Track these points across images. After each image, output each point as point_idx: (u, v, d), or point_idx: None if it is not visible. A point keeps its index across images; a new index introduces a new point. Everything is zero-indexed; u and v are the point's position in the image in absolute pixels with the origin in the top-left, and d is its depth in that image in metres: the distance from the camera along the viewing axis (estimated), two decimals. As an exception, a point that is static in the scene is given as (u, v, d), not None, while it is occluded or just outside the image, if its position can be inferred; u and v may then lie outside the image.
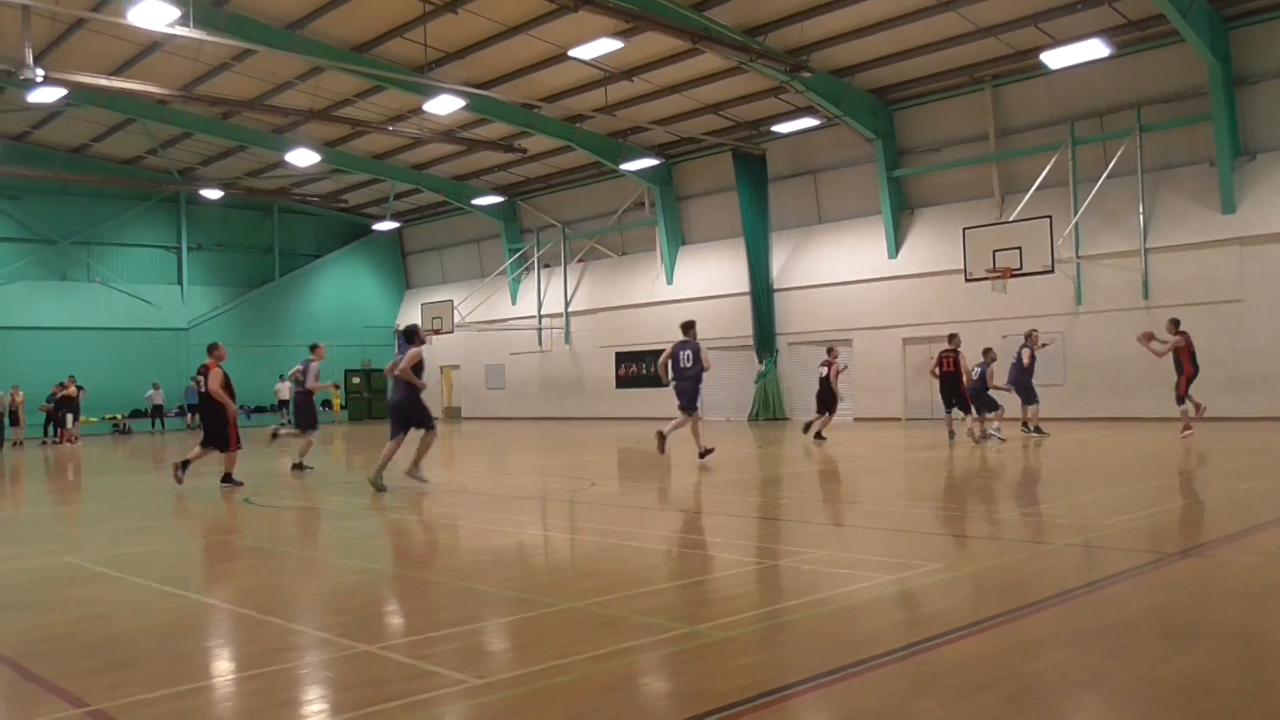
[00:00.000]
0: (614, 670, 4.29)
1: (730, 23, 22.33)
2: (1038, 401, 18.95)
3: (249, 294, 40.08)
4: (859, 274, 27.91)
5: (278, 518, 10.47)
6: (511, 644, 5.00)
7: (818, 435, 18.82)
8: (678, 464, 15.70)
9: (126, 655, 4.79)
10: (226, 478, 12.81)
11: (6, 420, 28.44)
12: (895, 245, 27.21)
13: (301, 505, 11.54)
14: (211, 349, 13.12)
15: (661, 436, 14.97)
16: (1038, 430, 18.79)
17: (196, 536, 9.51)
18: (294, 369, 16.45)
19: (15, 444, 28.51)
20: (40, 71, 20.49)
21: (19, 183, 33.85)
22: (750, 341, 29.67)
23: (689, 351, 15.22)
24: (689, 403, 15.11)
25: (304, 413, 16.24)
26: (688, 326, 15.55)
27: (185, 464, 12.86)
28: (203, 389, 12.85)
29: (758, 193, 29.70)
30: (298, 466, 15.30)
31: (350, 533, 9.28)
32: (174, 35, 21.54)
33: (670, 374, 15.34)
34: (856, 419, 26.79)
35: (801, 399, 28.92)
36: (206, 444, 12.94)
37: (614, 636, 4.85)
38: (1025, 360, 18.64)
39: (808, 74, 23.36)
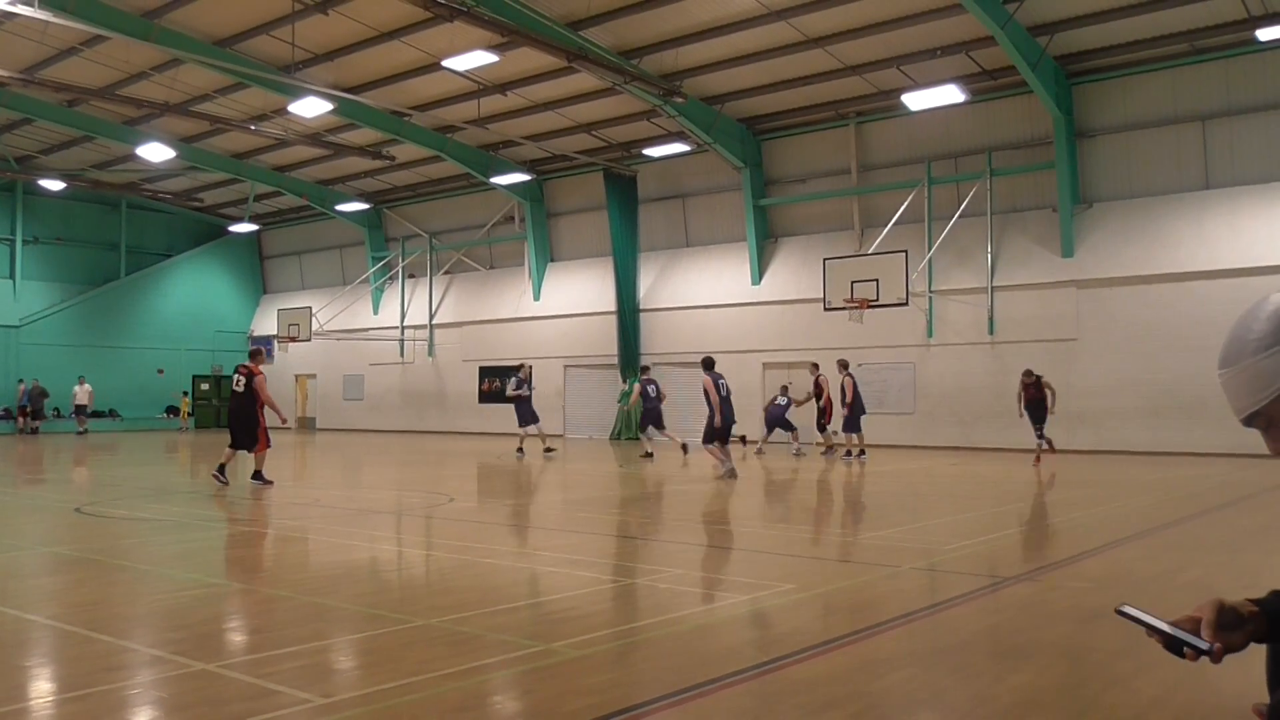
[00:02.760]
0: (465, 689, 4.21)
1: (606, 44, 22.51)
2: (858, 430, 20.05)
3: (91, 292, 37.92)
4: (723, 298, 28.42)
5: (113, 528, 9.91)
6: (360, 662, 4.84)
7: (860, 452, 20.09)
8: (540, 480, 15.61)
9: (-67, 673, 4.43)
10: (257, 474, 13.43)
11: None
12: (759, 272, 27.83)
13: (140, 516, 10.95)
14: (255, 354, 14.31)
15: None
16: (850, 454, 20.09)
17: (19, 548, 8.90)
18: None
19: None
20: None
21: None
22: (615, 360, 29.80)
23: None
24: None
25: None
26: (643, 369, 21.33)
27: (222, 468, 13.37)
28: (240, 388, 13.57)
29: (627, 213, 29.93)
30: None
31: (192, 545, 8.86)
32: (16, 14, 20.27)
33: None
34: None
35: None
36: (235, 445, 13.56)
37: (467, 654, 4.76)
38: (849, 391, 19.73)
39: (680, 99, 23.73)
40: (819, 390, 21.30)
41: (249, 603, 6.29)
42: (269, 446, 13.72)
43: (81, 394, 33.45)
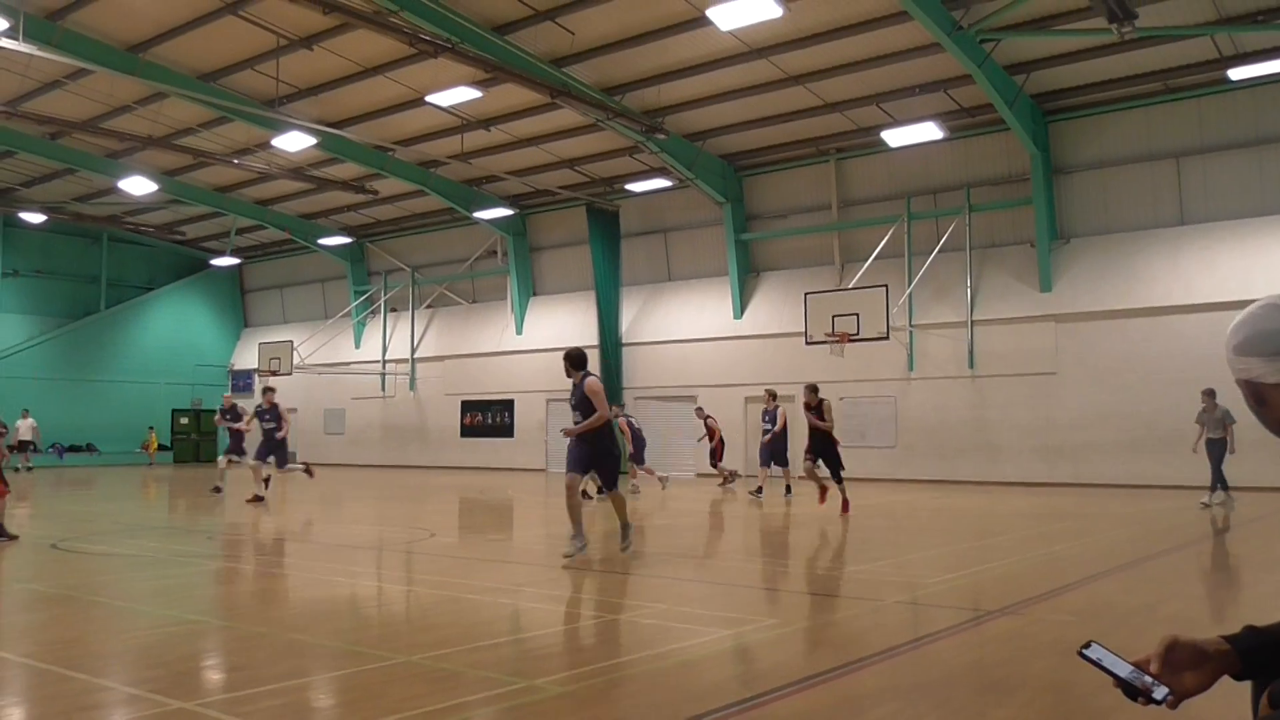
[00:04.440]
0: (447, 727, 4.17)
1: (590, 80, 22.70)
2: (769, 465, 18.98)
3: (71, 325, 37.69)
4: (705, 332, 28.51)
5: (89, 564, 9.79)
6: (339, 699, 4.80)
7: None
8: (519, 519, 15.54)
9: (-96, 713, 4.36)
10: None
11: None
12: (740, 306, 27.96)
13: (117, 551, 10.83)
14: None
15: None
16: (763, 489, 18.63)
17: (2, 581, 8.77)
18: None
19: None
20: None
21: None
22: (597, 395, 29.73)
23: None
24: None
25: None
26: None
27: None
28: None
29: (610, 248, 30.06)
30: None
31: (170, 581, 8.75)
32: (1, 47, 20.30)
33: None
34: (698, 474, 27.16)
35: (653, 452, 29.17)
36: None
37: (449, 691, 4.72)
38: (779, 426, 18.63)
39: (662, 135, 23.93)
40: (710, 430, 22.36)
41: (227, 640, 6.22)
42: (7, 492, 11.49)
43: (25, 428, 32.19)
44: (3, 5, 18.53)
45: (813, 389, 16.95)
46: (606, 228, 30.02)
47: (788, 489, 18.70)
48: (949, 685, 4.91)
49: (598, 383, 9.55)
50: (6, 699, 4.83)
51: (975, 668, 5.33)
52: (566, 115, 24.29)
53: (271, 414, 17.79)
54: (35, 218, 32.97)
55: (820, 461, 14.88)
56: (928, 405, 24.70)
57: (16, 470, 31.27)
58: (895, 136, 22.46)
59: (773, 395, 18.70)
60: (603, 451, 9.53)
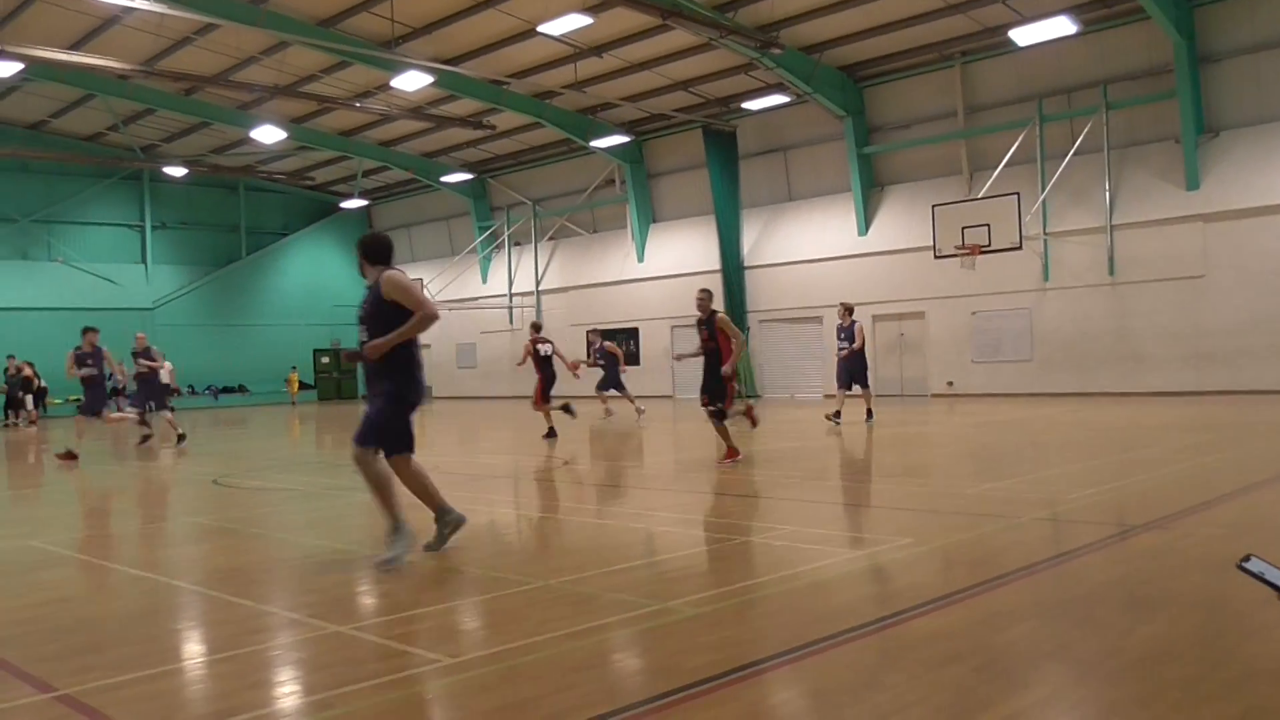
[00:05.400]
0: (586, 648, 4.30)
1: (700, -1, 22.24)
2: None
3: (215, 273, 39.60)
4: (829, 251, 27.99)
5: (246, 499, 10.40)
6: (484, 622, 5.00)
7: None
8: (649, 442, 15.76)
9: (94, 639, 4.75)
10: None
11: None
12: (865, 222, 27.31)
13: (271, 486, 11.46)
14: (539, 326, 16.77)
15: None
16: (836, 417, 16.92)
17: (163, 519, 9.42)
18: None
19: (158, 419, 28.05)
20: (-4, 46, 20.07)
21: (-25, 160, 33.22)
22: (721, 319, 29.70)
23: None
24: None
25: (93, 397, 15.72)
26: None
27: None
28: (548, 354, 15.83)
29: (728, 170, 29.68)
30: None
31: (319, 513, 9.23)
32: (134, 8, 21.11)
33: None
34: (826, 395, 26.92)
35: (773, 376, 29.09)
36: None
37: (586, 614, 4.86)
38: (858, 343, 16.92)
39: (777, 50, 23.32)
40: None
41: (376, 568, 6.53)
42: None
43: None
44: (132, -33, 19.21)
45: (848, 309, 16.80)
46: (724, 149, 29.62)
47: (869, 414, 16.99)
48: (1092, 602, 4.80)
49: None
50: (183, 623, 5.22)
51: (1120, 584, 5.19)
52: (678, 36, 23.91)
53: (94, 358, 15.56)
54: (177, 172, 34.53)
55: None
56: (1065, 316, 23.78)
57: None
58: (1024, 34, 21.31)
59: (849, 309, 17.12)
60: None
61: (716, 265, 29.65)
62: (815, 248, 28.33)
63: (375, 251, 6.49)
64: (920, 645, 4.14)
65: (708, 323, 11.43)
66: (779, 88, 26.35)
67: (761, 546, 6.69)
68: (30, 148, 33.44)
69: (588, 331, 22.42)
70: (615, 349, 21.15)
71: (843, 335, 16.90)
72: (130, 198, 37.96)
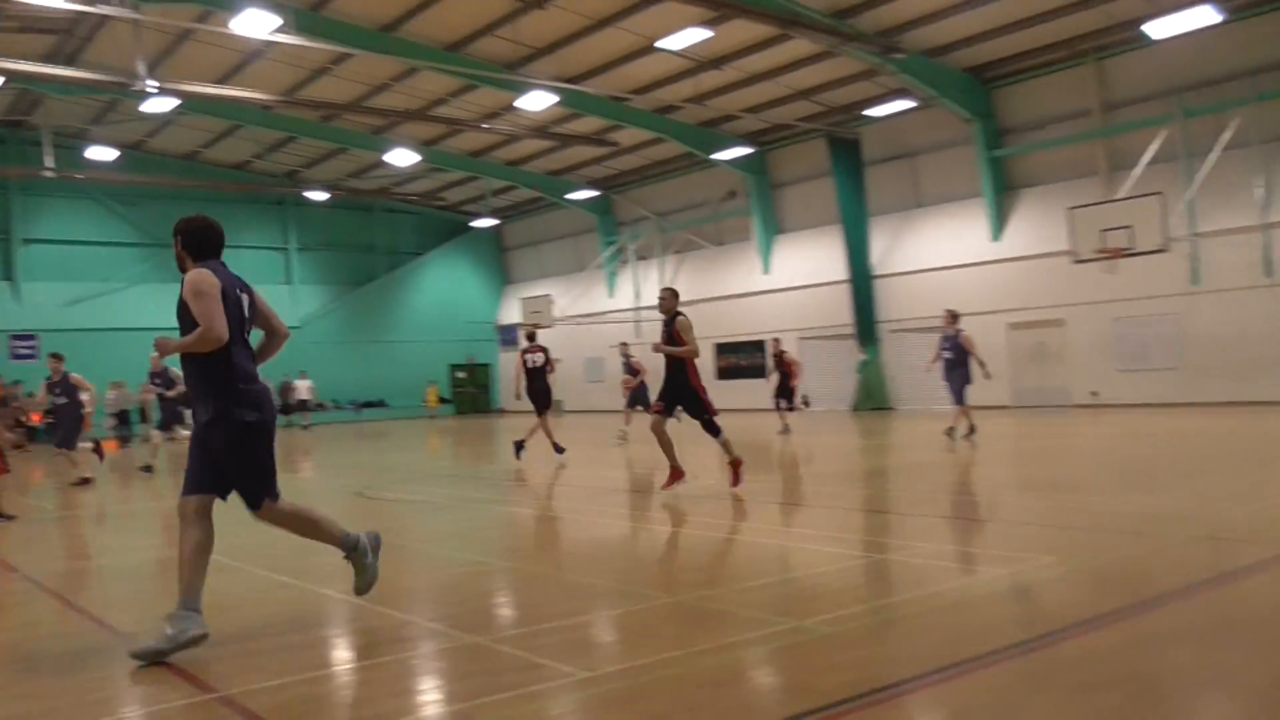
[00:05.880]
0: (720, 665, 4.29)
1: (819, 7, 22.00)
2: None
3: (354, 291, 41.16)
4: (961, 258, 27.26)
5: (389, 509, 10.74)
6: (617, 637, 5.04)
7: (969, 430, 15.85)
8: (779, 458, 15.62)
9: (250, 643, 4.98)
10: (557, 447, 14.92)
11: (137, 417, 29.69)
12: (998, 227, 26.50)
13: (411, 498, 11.81)
14: (533, 335, 16.05)
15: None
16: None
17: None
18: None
19: (143, 439, 29.84)
20: (153, 83, 21.39)
21: (136, 189, 35.39)
22: (851, 330, 29.30)
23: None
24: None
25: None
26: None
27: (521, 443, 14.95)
28: (539, 365, 15.29)
29: (853, 178, 29.29)
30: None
31: (456, 525, 9.46)
32: (275, 42, 22.21)
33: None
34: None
35: (905, 388, 28.47)
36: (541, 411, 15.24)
37: (719, 631, 4.85)
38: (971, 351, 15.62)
39: (901, 55, 22.89)
40: (783, 363, 20.75)
41: (512, 579, 6.66)
42: (7, 474, 11.20)
43: (302, 388, 35.88)
44: (274, 3, 20.19)
45: (953, 315, 15.80)
46: (848, 157, 29.24)
47: (952, 430, 15.54)
48: (1259, 626, 4.52)
49: None
50: (332, 630, 5.43)
51: (1287, 607, 4.87)
52: (798, 45, 23.74)
53: (62, 386, 14.39)
54: (318, 196, 36.12)
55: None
56: (1217, 320, 22.54)
57: (305, 428, 34.67)
58: (1161, 27, 20.32)
59: (954, 316, 15.85)
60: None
61: (844, 275, 29.25)
62: (946, 255, 27.64)
63: (191, 241, 5.18)
64: (1068, 669, 3.97)
65: (668, 324, 10.60)
66: (903, 93, 25.86)
67: (899, 564, 6.54)
68: (184, 177, 35.51)
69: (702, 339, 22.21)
70: (792, 360, 20.82)
71: (946, 344, 15.73)
72: (275, 222, 39.84)
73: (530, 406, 15.39)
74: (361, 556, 5.47)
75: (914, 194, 29.04)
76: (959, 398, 15.46)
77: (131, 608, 6.06)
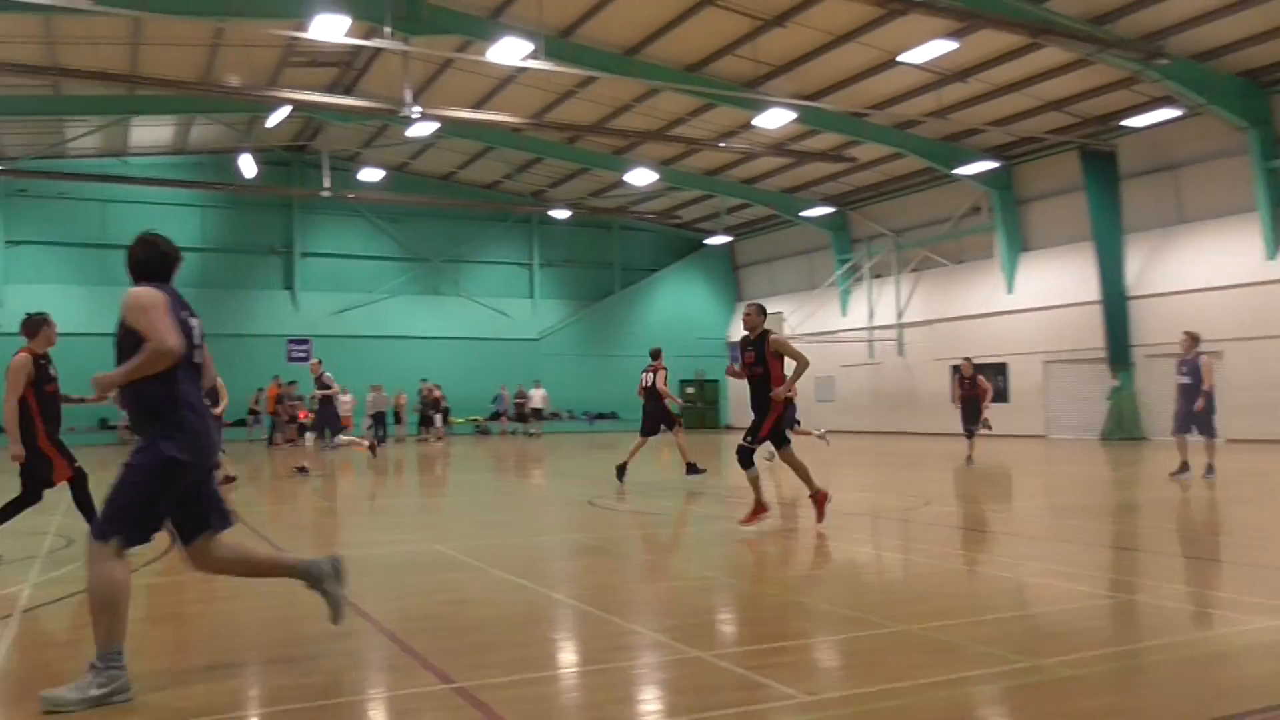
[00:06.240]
0: (949, 699, 4.13)
1: (1074, 13, 20.82)
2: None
3: (591, 306, 42.59)
4: (1230, 278, 24.98)
5: (618, 519, 11.04)
6: (842, 662, 4.95)
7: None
8: (1018, 489, 14.90)
9: (485, 639, 5.26)
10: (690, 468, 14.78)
11: (391, 419, 32.04)
12: (1275, 244, 24.12)
13: (640, 509, 12.08)
14: (656, 354, 16.04)
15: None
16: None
17: (545, 534, 10.23)
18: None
19: (397, 440, 32.13)
20: (417, 109, 23.05)
21: (399, 208, 38.27)
22: (1102, 354, 27.48)
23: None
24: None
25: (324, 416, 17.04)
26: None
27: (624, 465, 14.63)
28: (649, 385, 15.46)
29: (1108, 193, 27.50)
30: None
31: (685, 539, 9.60)
32: (527, 68, 23.40)
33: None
34: (1229, 440, 24.01)
35: (1161, 417, 26.37)
36: (645, 434, 15.32)
37: (949, 664, 4.67)
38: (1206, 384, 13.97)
39: (1164, 61, 21.29)
40: (974, 387, 18.22)
41: (737, 597, 6.68)
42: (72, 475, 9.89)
43: (536, 397, 37.11)
44: (524, 31, 21.30)
45: (1193, 339, 13.99)
46: (1102, 171, 27.50)
47: (1209, 468, 13.95)
48: None
49: None
50: (560, 633, 5.64)
51: None
52: (1050, 54, 22.57)
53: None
54: (561, 214, 37.70)
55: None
56: None
57: (534, 435, 36.01)
58: None
59: (1194, 339, 14.23)
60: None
61: (1095, 295, 27.49)
62: (1212, 275, 25.42)
63: (135, 262, 4.69)
64: (1350, 739, 3.57)
65: (757, 344, 9.76)
66: (1166, 101, 24.03)
67: (1149, 606, 6.08)
68: (442, 196, 38.03)
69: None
70: (985, 384, 18.66)
71: (1184, 370, 14.21)
72: (521, 239, 41.87)
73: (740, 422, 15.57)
74: (327, 583, 5.03)
75: (1176, 209, 26.91)
76: (1208, 430, 14.01)
77: (379, 600, 6.52)
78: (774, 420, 9.53)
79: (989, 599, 6.36)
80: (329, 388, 16.86)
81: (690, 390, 42.65)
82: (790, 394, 9.65)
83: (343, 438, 17.82)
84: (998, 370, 31.24)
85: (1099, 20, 21.11)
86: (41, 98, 27.87)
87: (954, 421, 19.63)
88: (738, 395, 43.38)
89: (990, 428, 18.73)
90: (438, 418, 33.65)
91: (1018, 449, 21.14)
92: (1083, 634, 5.29)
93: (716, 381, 43.76)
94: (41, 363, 7.98)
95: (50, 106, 28.48)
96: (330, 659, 4.90)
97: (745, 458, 9.42)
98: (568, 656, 5.18)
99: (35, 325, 8.00)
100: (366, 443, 19.79)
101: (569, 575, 7.61)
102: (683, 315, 43.42)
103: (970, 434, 18.00)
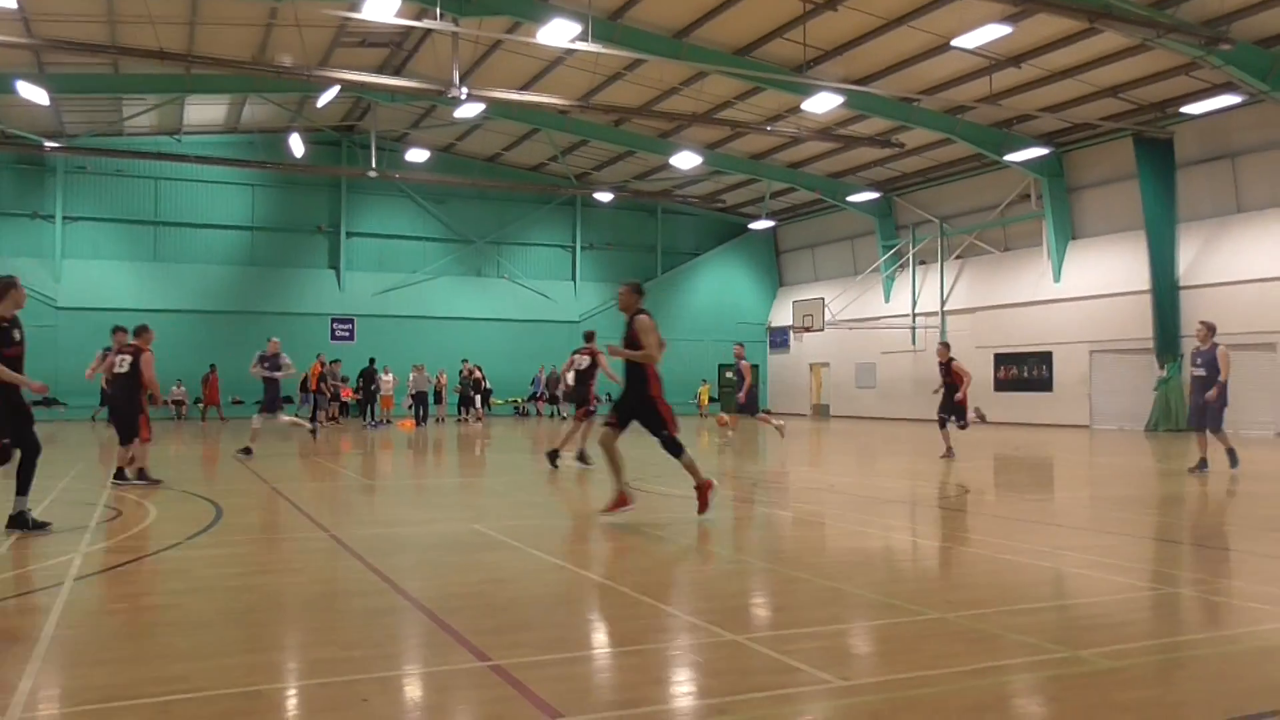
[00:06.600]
0: (984, 688, 4.11)
1: (1135, -4, 20.42)
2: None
3: (633, 290, 42.52)
4: (1288, 269, 24.46)
5: (652, 502, 11.05)
6: (876, 648, 4.94)
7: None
8: (1060, 478, 14.72)
9: (522, 618, 5.30)
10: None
11: (431, 399, 32.29)
12: (1337, 237, 23.55)
13: (674, 492, 12.08)
14: (590, 336, 15.28)
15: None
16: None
17: (582, 515, 10.28)
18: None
19: (438, 420, 32.40)
20: (465, 90, 23.12)
21: (445, 189, 38.47)
22: (1150, 344, 27.03)
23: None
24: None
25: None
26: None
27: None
28: (581, 368, 14.87)
29: (1162, 181, 26.96)
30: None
31: (718, 523, 9.58)
32: (575, 50, 23.37)
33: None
34: (1277, 434, 23.54)
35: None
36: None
37: (985, 653, 4.64)
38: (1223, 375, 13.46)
39: (1226, 46, 20.80)
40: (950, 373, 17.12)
41: (772, 581, 6.67)
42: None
43: (571, 379, 36.79)
44: (573, 12, 21.26)
45: (1209, 329, 13.54)
46: (1157, 159, 26.96)
47: (1202, 462, 13.64)
48: None
49: None
50: (597, 614, 5.67)
51: None
52: (1107, 39, 22.14)
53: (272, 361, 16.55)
54: (604, 197, 37.67)
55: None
56: None
57: (566, 418, 35.95)
58: None
59: (1209, 329, 13.71)
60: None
61: (1145, 285, 27.03)
62: (1270, 264, 24.87)
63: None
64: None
65: (628, 325, 9.30)
66: (1228, 87, 23.49)
67: (1193, 600, 5.99)
68: (487, 178, 38.15)
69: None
70: (961, 370, 17.45)
71: (1199, 361, 13.77)
72: (564, 221, 41.92)
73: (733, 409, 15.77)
74: None
75: (1234, 198, 26.35)
76: (1215, 423, 13.57)
77: (417, 577, 6.59)
78: (663, 405, 9.42)
79: (1027, 589, 6.30)
80: (280, 370, 16.64)
81: (730, 375, 42.51)
82: (612, 355, 9.45)
83: (284, 417, 17.91)
84: (1042, 359, 30.84)
85: (1159, 4, 20.66)
86: (101, 76, 28.36)
87: (994, 410, 19.45)
88: (778, 379, 43.23)
89: (984, 419, 18.11)
90: (477, 398, 33.82)
91: (1061, 439, 20.86)
92: (1122, 626, 5.23)
93: (757, 366, 43.56)
94: (4, 325, 7.69)
95: (110, 84, 28.95)
96: (368, 634, 4.97)
97: (671, 448, 9.29)
98: (603, 637, 5.21)
99: (3, 288, 7.72)
100: (308, 426, 20.25)
101: (603, 556, 7.65)
102: (724, 300, 43.29)
103: (942, 423, 17.04)
